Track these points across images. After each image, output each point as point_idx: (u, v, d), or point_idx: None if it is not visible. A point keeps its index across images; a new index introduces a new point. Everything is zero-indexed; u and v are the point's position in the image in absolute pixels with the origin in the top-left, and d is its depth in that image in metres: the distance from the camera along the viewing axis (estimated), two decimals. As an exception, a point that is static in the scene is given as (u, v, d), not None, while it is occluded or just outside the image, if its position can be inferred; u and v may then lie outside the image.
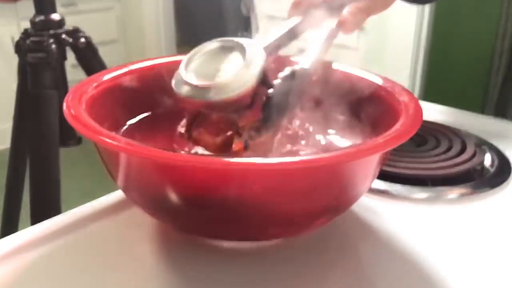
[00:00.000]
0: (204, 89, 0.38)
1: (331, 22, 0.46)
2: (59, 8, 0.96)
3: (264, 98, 0.41)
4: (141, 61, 0.51)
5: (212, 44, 0.42)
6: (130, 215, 0.46)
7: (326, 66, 0.49)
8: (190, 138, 0.43)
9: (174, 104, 0.52)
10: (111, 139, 0.34)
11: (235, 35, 0.43)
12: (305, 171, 0.34)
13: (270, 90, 0.41)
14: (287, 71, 0.42)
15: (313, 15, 0.48)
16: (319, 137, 0.49)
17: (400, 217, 0.47)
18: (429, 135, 0.62)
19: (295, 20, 0.47)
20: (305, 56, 0.44)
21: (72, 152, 1.03)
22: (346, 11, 0.46)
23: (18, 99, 1.01)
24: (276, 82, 0.42)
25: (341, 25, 0.46)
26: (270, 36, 0.45)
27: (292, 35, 0.47)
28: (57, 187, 0.90)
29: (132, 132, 0.47)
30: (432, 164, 0.55)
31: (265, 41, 0.45)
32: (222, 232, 0.39)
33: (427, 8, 1.84)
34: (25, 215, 0.96)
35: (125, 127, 0.48)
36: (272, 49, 0.45)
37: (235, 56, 0.41)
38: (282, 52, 0.46)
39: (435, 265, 0.40)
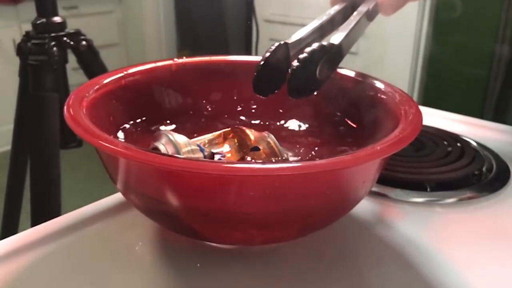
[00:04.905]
0: None
1: (369, 3, 0.47)
2: (60, 11, 0.97)
3: (289, 71, 0.42)
4: (142, 64, 0.52)
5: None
6: (130, 217, 0.46)
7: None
8: None
9: (175, 106, 0.53)
10: (109, 143, 0.34)
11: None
12: (303, 177, 0.34)
13: (295, 63, 0.42)
14: (314, 45, 0.43)
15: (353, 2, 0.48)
16: (316, 141, 0.49)
17: (398, 221, 0.47)
18: (428, 140, 0.62)
19: (336, 8, 0.48)
20: (337, 33, 0.44)
21: (73, 154, 1.04)
22: None
23: (19, 102, 1.02)
24: (302, 56, 0.42)
25: (380, 5, 0.46)
26: (310, 25, 0.46)
27: (334, 23, 0.47)
28: (57, 189, 0.91)
29: (133, 135, 0.48)
30: (431, 168, 0.55)
31: (306, 29, 0.45)
32: (220, 236, 0.39)
33: (426, 12, 1.85)
34: (25, 216, 0.97)
35: (126, 130, 0.48)
36: (314, 38, 0.45)
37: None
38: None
39: (434, 269, 0.41)
